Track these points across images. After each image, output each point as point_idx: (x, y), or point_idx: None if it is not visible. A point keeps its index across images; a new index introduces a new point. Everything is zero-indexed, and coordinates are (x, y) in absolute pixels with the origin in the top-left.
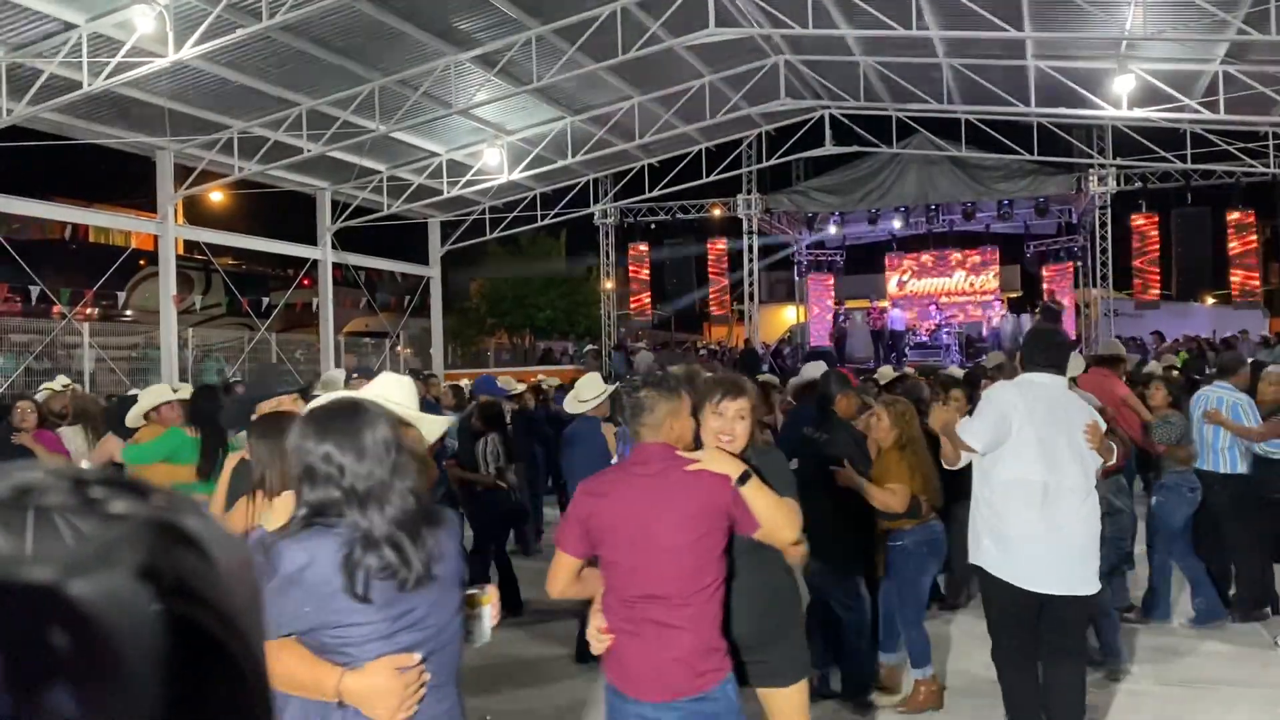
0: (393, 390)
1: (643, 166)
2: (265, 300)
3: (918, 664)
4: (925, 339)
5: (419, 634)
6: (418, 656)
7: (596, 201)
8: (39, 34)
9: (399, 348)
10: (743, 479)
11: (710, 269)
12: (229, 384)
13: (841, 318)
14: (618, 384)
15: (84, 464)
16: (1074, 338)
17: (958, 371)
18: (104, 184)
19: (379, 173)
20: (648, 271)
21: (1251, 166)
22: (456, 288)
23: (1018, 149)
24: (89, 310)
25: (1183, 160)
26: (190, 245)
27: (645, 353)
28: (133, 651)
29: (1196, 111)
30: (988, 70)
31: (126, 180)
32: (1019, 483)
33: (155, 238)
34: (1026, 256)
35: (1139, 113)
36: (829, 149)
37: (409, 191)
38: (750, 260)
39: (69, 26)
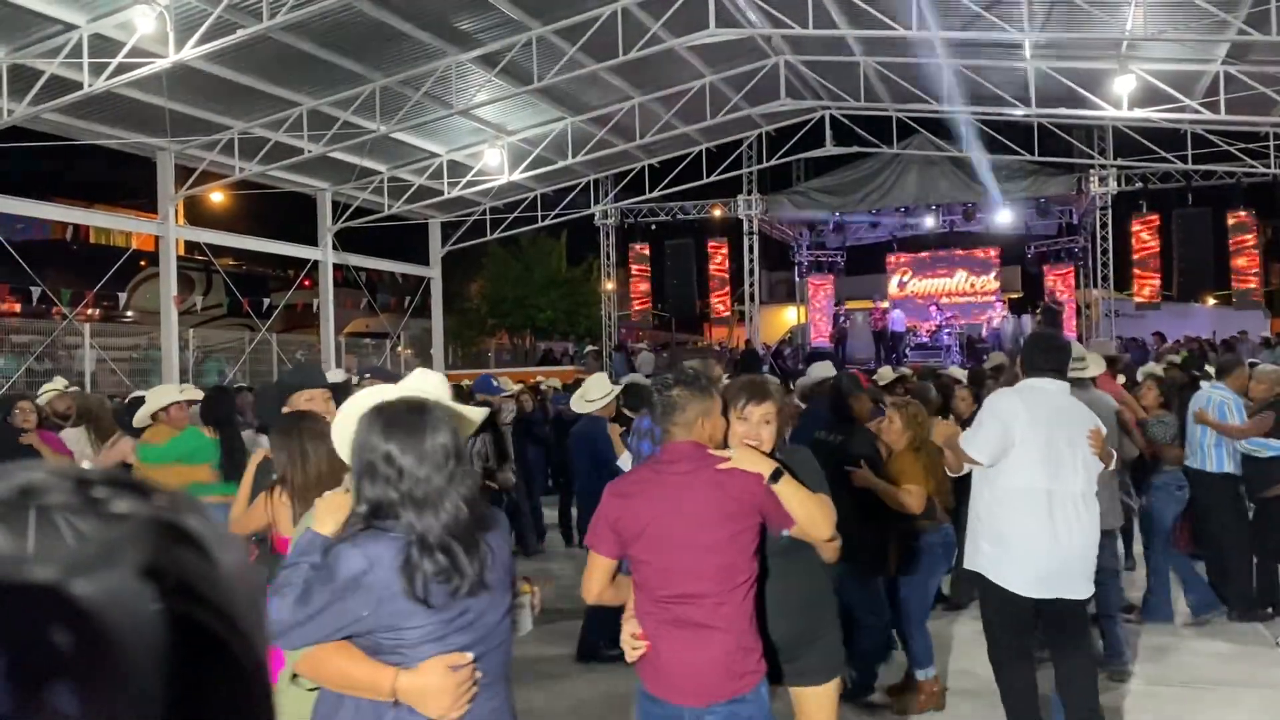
0: (426, 386)
1: (643, 167)
2: (266, 301)
3: (920, 664)
4: (926, 340)
5: (471, 635)
6: (470, 656)
7: (597, 202)
8: (40, 35)
9: (400, 348)
10: (775, 476)
11: (711, 269)
12: (236, 387)
13: (842, 318)
14: (624, 384)
15: (85, 464)
16: (1075, 338)
17: (958, 372)
18: (105, 185)
19: (379, 173)
20: (648, 272)
21: (1252, 167)
22: (457, 289)
23: (1019, 150)
24: (90, 311)
25: (1183, 161)
26: (191, 246)
27: (646, 353)
28: (134, 651)
29: (1197, 112)
30: (989, 71)
31: (127, 181)
32: (1022, 491)
33: (156, 238)
34: (1027, 257)
35: (1140, 113)
36: (829, 149)
37: (410, 192)
38: (751, 260)
39: (70, 27)
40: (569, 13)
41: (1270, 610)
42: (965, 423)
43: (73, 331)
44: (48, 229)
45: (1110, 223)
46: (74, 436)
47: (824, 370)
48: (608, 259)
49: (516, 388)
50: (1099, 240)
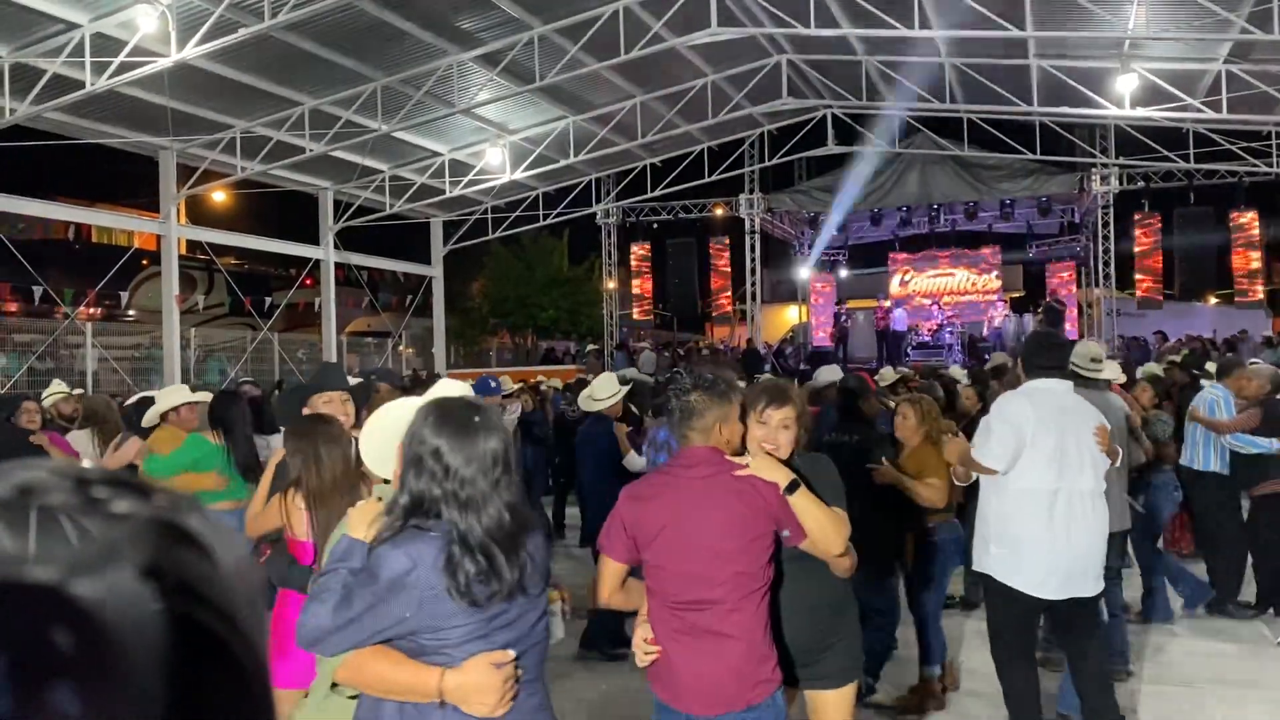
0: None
1: (645, 166)
2: (268, 300)
3: (930, 661)
4: (928, 339)
5: (513, 633)
6: (512, 653)
7: (599, 201)
8: (42, 34)
9: (401, 348)
10: (791, 487)
11: (712, 269)
12: (240, 385)
13: (843, 317)
14: (632, 384)
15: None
16: (1077, 338)
17: (958, 372)
18: (107, 184)
19: (381, 172)
20: (650, 271)
21: (1254, 166)
22: (459, 288)
23: (1020, 149)
24: (92, 310)
25: (1185, 160)
26: (193, 245)
27: (648, 353)
28: (135, 650)
29: (1199, 111)
30: (990, 69)
31: (129, 180)
32: (1031, 492)
33: (158, 237)
34: (1029, 256)
35: (1142, 112)
36: (831, 148)
37: (411, 191)
38: (752, 259)
39: (72, 26)
40: (570, 11)
41: (1272, 610)
42: (971, 422)
43: (74, 331)
44: (50, 228)
45: (1112, 222)
46: (80, 439)
47: (830, 375)
48: (609, 258)
49: (516, 387)
50: (1101, 239)
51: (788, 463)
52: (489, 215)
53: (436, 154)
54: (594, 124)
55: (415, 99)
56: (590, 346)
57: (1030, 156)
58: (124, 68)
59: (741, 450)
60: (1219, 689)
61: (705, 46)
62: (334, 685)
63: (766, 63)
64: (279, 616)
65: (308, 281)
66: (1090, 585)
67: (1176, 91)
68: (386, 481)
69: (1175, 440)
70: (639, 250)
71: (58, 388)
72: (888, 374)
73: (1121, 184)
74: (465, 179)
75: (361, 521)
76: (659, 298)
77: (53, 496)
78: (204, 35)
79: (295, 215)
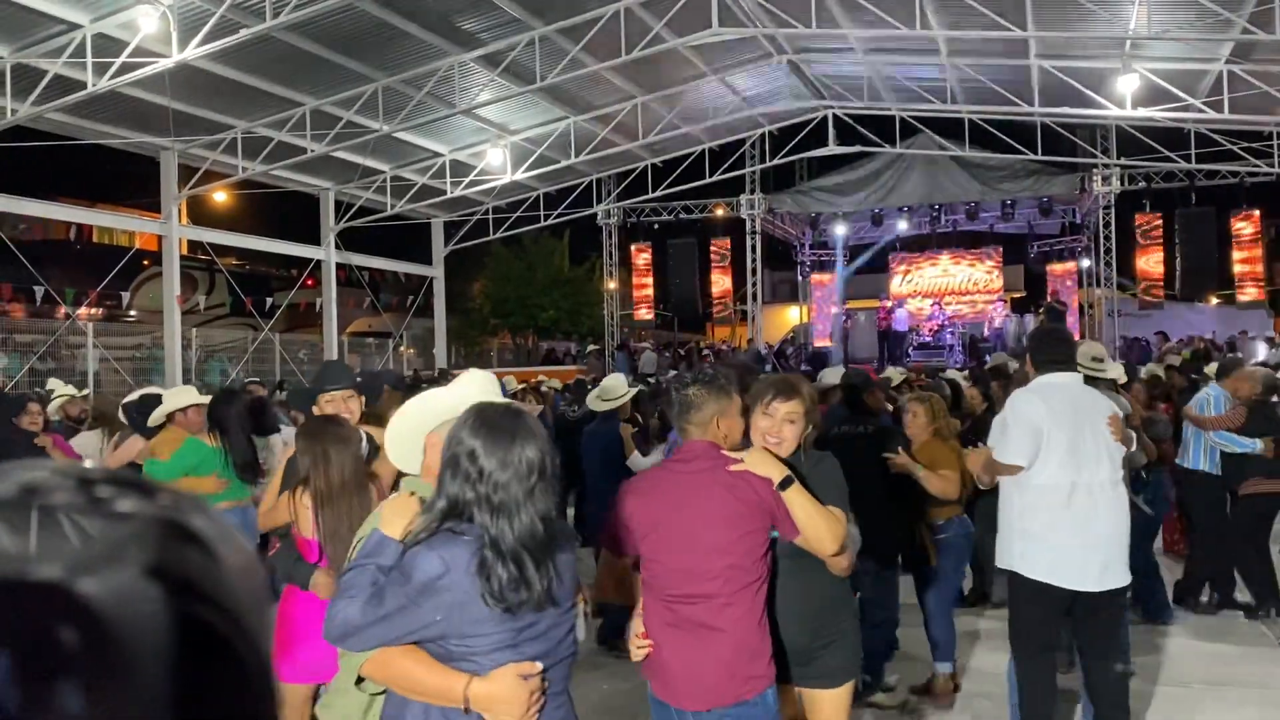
0: (473, 389)
1: (646, 166)
2: (269, 300)
3: (942, 658)
4: (929, 339)
5: (542, 645)
6: (540, 665)
7: (600, 202)
8: (44, 34)
9: (402, 348)
10: (785, 483)
11: (713, 269)
12: (245, 386)
13: (844, 317)
14: (641, 386)
15: (88, 463)
16: (1078, 338)
17: (954, 374)
18: (108, 184)
19: (382, 173)
20: (651, 272)
21: (1256, 166)
22: (460, 288)
23: (1022, 149)
24: (93, 310)
25: (1187, 160)
26: (194, 245)
27: (649, 353)
28: (140, 649)
29: (1201, 111)
30: (991, 70)
31: (130, 180)
32: (1051, 487)
33: (159, 238)
34: (1030, 256)
35: (1143, 112)
36: (832, 149)
37: (412, 192)
38: (753, 260)
39: (73, 27)
40: (571, 12)
41: (1274, 611)
42: (976, 421)
43: (76, 331)
44: (51, 228)
45: (1113, 222)
46: (90, 440)
47: (834, 376)
48: (610, 259)
49: (520, 387)
50: (1102, 240)
51: (791, 460)
52: (490, 216)
53: (437, 154)
54: (595, 124)
55: (416, 99)
56: (591, 347)
57: (1031, 157)
58: (125, 68)
59: (746, 444)
60: (1219, 689)
61: (706, 47)
62: (360, 680)
63: (768, 63)
64: (284, 611)
65: (309, 282)
66: (1117, 576)
67: (1178, 92)
68: (403, 476)
69: (1174, 442)
70: (640, 251)
71: (57, 387)
72: (894, 374)
73: (1123, 184)
74: (466, 179)
75: (396, 517)
76: (660, 298)
77: (56, 496)
78: (205, 36)
79: (296, 216)
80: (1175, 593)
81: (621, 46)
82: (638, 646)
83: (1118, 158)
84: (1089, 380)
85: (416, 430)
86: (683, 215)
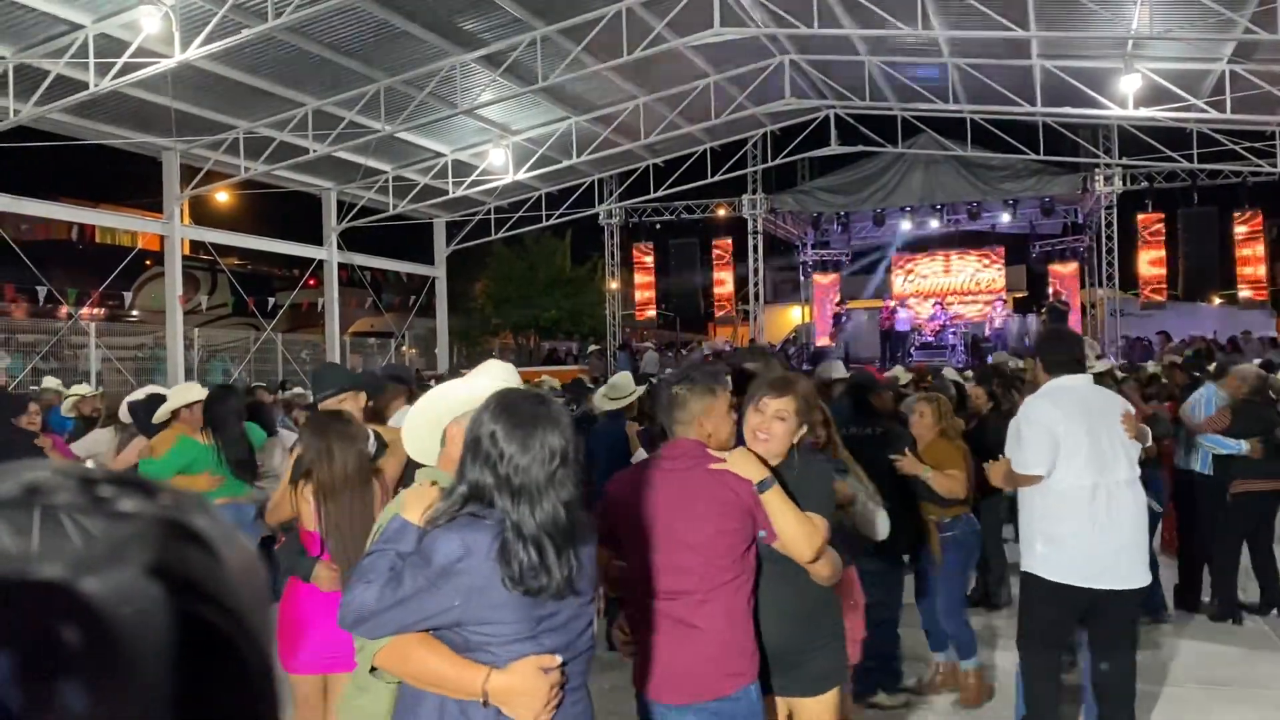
0: (492, 379)
1: (648, 166)
2: (271, 300)
3: (965, 655)
4: (931, 339)
5: (562, 637)
6: (560, 658)
7: (601, 201)
8: (46, 35)
9: (404, 348)
10: (763, 485)
11: (715, 269)
12: (250, 387)
13: (844, 317)
14: (649, 384)
15: (90, 463)
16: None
17: (950, 373)
18: (110, 184)
19: (384, 173)
20: (652, 271)
21: (1258, 166)
22: (462, 288)
23: (1023, 149)
24: (95, 310)
25: (1189, 160)
26: (196, 245)
27: (651, 353)
28: (142, 648)
29: (1203, 111)
30: (993, 70)
31: (132, 181)
32: (1071, 490)
33: (161, 238)
34: (1032, 256)
35: (1145, 112)
36: (834, 149)
37: (414, 192)
38: (755, 260)
39: (75, 27)
40: (573, 12)
41: (1276, 611)
42: (981, 421)
43: (78, 331)
44: (53, 228)
45: (1115, 222)
46: (103, 438)
47: (831, 368)
48: (612, 258)
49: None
50: (1104, 239)
51: (785, 462)
52: (492, 216)
53: (439, 155)
54: (596, 124)
55: (418, 100)
56: (593, 347)
57: (1033, 157)
58: (127, 68)
59: (740, 443)
60: (1219, 689)
61: (708, 47)
62: (374, 670)
63: (769, 63)
64: (289, 603)
65: (311, 282)
66: (1138, 575)
67: (1180, 91)
68: (416, 467)
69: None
70: (641, 250)
71: (52, 386)
72: (900, 374)
73: (1125, 184)
74: (468, 180)
75: (416, 504)
76: (661, 298)
77: (58, 496)
78: (207, 36)
79: (298, 216)
80: (1176, 594)
81: (623, 47)
82: (622, 641)
83: (1120, 157)
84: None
85: (436, 421)
86: (684, 215)
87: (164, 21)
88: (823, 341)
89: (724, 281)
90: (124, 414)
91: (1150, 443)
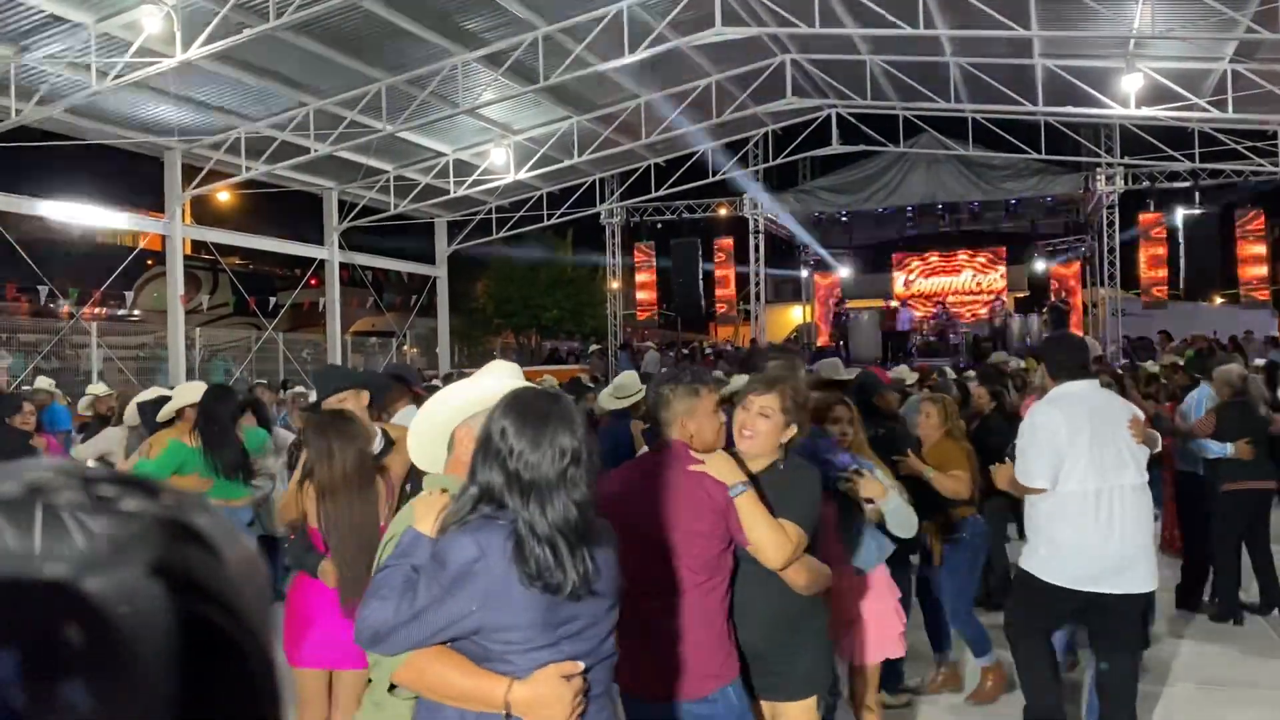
0: (500, 380)
1: (649, 166)
2: (272, 300)
3: (980, 653)
4: (932, 339)
5: (583, 644)
6: (582, 664)
7: (603, 201)
8: (47, 35)
9: (406, 348)
10: (737, 489)
11: (716, 268)
12: (252, 387)
13: (844, 316)
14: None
15: (92, 463)
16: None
17: (950, 373)
18: (112, 184)
19: (386, 172)
20: (654, 271)
21: (1260, 166)
22: (463, 288)
23: (1025, 148)
24: (97, 310)
25: (1191, 160)
26: (198, 245)
27: (653, 352)
28: (145, 647)
29: (1205, 110)
30: (995, 69)
31: (134, 180)
32: (1076, 495)
33: (163, 237)
34: (1034, 256)
35: (1147, 111)
36: (836, 148)
37: (416, 191)
38: (757, 260)
39: (77, 27)
40: (575, 11)
41: (1276, 610)
42: (984, 421)
43: (80, 330)
44: (55, 228)
45: (1117, 221)
46: (114, 436)
47: (831, 366)
48: (613, 258)
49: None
50: (1106, 239)
51: (769, 463)
52: (493, 215)
53: (441, 154)
54: (598, 124)
55: (420, 99)
56: (594, 347)
57: (1035, 156)
58: (129, 68)
59: (730, 443)
60: (1219, 689)
61: (709, 46)
62: (392, 687)
63: (771, 62)
64: (296, 598)
65: (312, 281)
66: (1141, 580)
67: (1182, 91)
68: (420, 476)
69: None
70: (643, 250)
71: (47, 385)
72: (906, 373)
73: (1126, 184)
74: (469, 179)
75: (427, 513)
76: (663, 298)
77: (61, 495)
78: (209, 36)
79: (300, 215)
80: (1178, 594)
81: (625, 46)
82: None
83: (1121, 157)
84: None
85: (441, 426)
86: (685, 215)
87: (165, 21)
88: (823, 341)
89: (725, 281)
90: (130, 415)
91: (1159, 448)
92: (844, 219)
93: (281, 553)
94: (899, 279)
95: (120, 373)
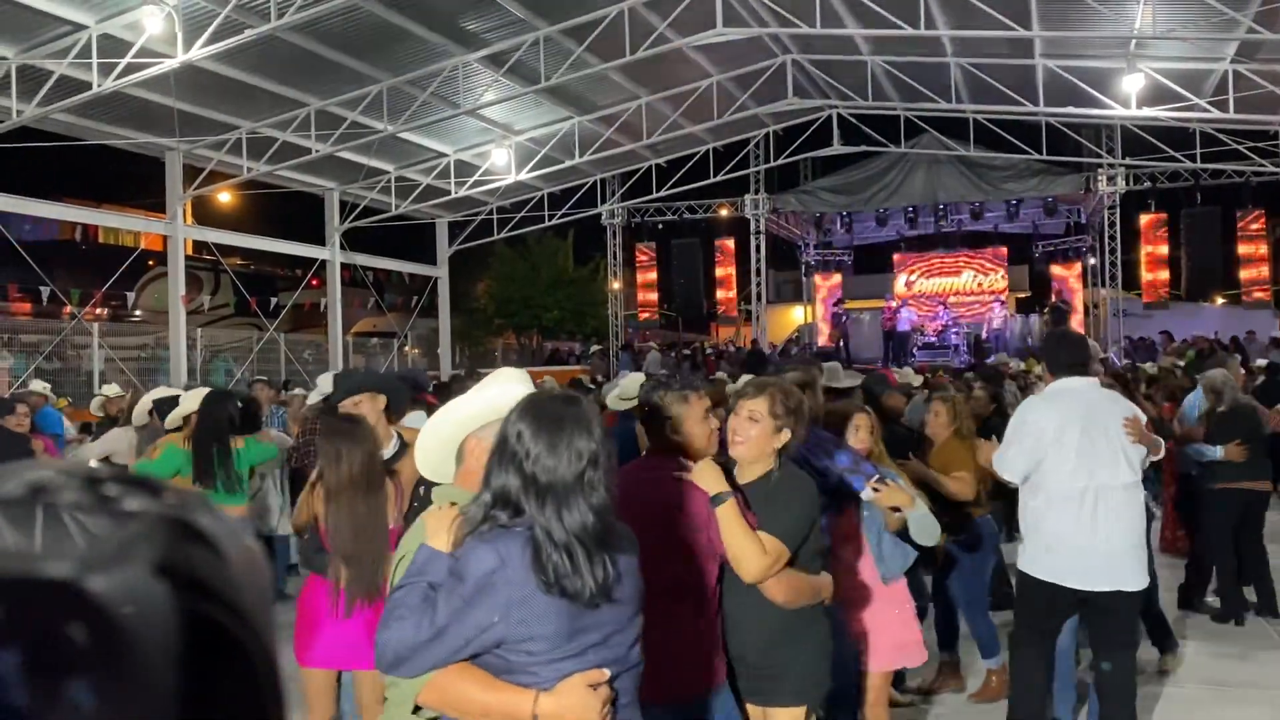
0: (500, 388)
1: (650, 166)
2: (274, 300)
3: (988, 654)
4: (933, 339)
5: (608, 652)
6: (608, 672)
7: (604, 201)
8: (49, 35)
9: (407, 348)
10: (718, 499)
11: (718, 269)
12: (251, 384)
13: (843, 317)
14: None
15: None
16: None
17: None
18: (113, 184)
19: (387, 173)
20: (655, 272)
21: (1261, 166)
22: (464, 288)
23: (1026, 149)
24: (98, 310)
25: (1192, 160)
26: (199, 246)
27: (654, 353)
28: (149, 646)
29: (1206, 111)
30: (996, 69)
31: (135, 181)
32: (1064, 492)
33: (164, 238)
34: (1035, 256)
35: (1148, 112)
36: (837, 149)
37: (417, 192)
38: (758, 260)
39: (79, 27)
40: (576, 12)
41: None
42: (985, 421)
43: (81, 331)
44: (56, 229)
45: (1118, 222)
46: (120, 437)
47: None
48: (614, 259)
49: None
50: (1107, 239)
51: (764, 472)
52: (494, 216)
53: (442, 155)
54: (599, 124)
55: (421, 100)
56: (595, 347)
57: (1036, 157)
58: (130, 69)
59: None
60: (1220, 689)
61: (710, 47)
62: (416, 709)
63: (772, 63)
64: (307, 598)
65: (314, 282)
66: (1130, 579)
67: (1183, 91)
68: (431, 485)
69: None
70: (644, 250)
71: (39, 387)
72: (910, 376)
73: (1128, 184)
74: (471, 180)
75: (439, 528)
76: (664, 298)
77: (62, 495)
78: (210, 36)
79: (301, 216)
80: (1179, 594)
81: (626, 47)
82: None
83: (1123, 157)
84: None
85: (450, 438)
86: (687, 215)
87: (167, 22)
88: (824, 342)
89: (726, 282)
90: (139, 415)
91: (1162, 453)
92: (845, 219)
93: (280, 553)
94: (900, 279)
95: (122, 373)
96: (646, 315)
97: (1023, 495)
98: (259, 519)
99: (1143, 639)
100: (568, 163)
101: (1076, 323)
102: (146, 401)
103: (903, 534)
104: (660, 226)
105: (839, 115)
